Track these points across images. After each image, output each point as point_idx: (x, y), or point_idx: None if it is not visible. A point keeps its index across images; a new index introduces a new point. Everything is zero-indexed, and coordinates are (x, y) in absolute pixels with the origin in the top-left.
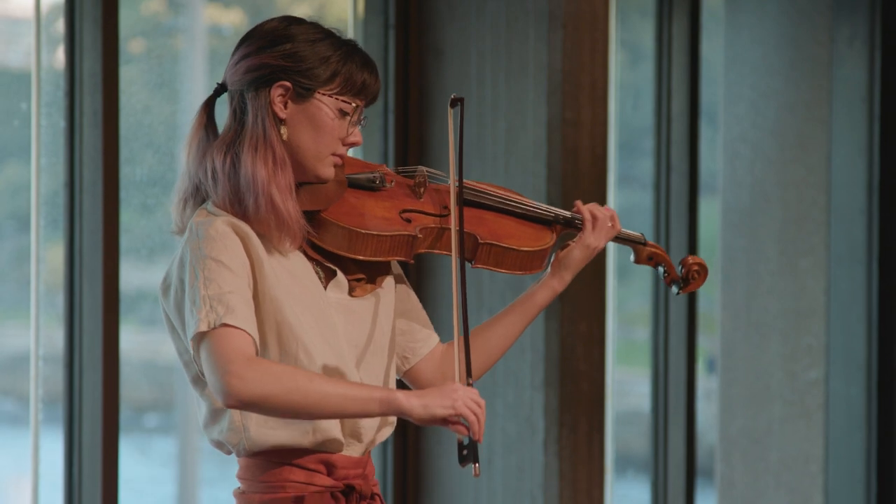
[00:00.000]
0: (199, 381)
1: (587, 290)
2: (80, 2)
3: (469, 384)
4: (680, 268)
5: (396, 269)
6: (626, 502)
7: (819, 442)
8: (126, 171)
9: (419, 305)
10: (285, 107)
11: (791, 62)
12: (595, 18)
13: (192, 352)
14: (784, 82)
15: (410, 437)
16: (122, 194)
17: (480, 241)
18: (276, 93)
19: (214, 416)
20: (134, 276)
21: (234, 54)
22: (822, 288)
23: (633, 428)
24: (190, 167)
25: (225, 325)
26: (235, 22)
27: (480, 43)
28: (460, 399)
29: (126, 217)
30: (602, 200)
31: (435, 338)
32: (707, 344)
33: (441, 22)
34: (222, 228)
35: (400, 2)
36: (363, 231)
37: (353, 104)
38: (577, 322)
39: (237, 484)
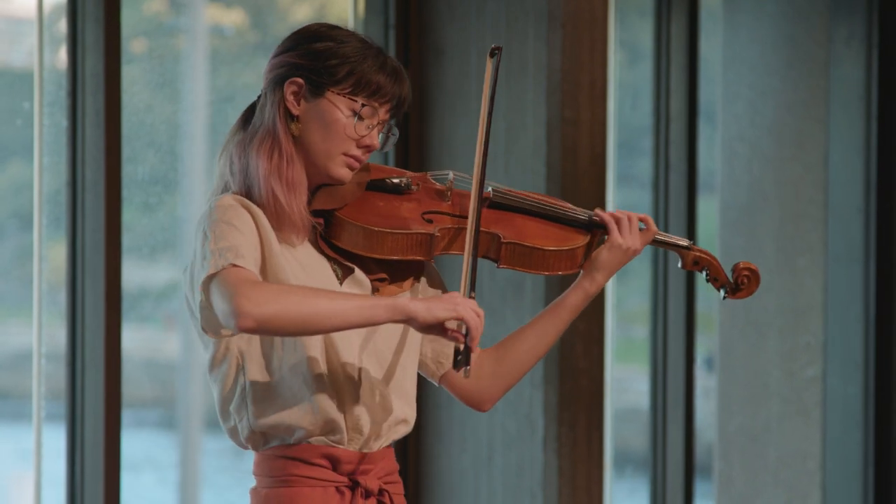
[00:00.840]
0: (215, 364)
1: None
2: (82, 2)
3: (471, 296)
4: (731, 273)
5: (434, 277)
6: (625, 499)
7: (817, 439)
8: (128, 170)
9: None
10: (298, 104)
11: (789, 62)
12: (594, 18)
13: (199, 301)
14: (782, 81)
15: (411, 436)
16: (124, 193)
17: (504, 240)
18: (290, 89)
19: (224, 401)
20: (136, 274)
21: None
22: (820, 286)
23: (632, 425)
24: (221, 166)
25: (233, 265)
26: (237, 22)
27: (480, 43)
28: (461, 304)
29: (128, 215)
30: (601, 200)
31: None
32: (705, 342)
33: (441, 22)
34: (232, 201)
35: (400, 2)
36: (377, 229)
37: (363, 104)
38: (577, 320)
39: (238, 481)
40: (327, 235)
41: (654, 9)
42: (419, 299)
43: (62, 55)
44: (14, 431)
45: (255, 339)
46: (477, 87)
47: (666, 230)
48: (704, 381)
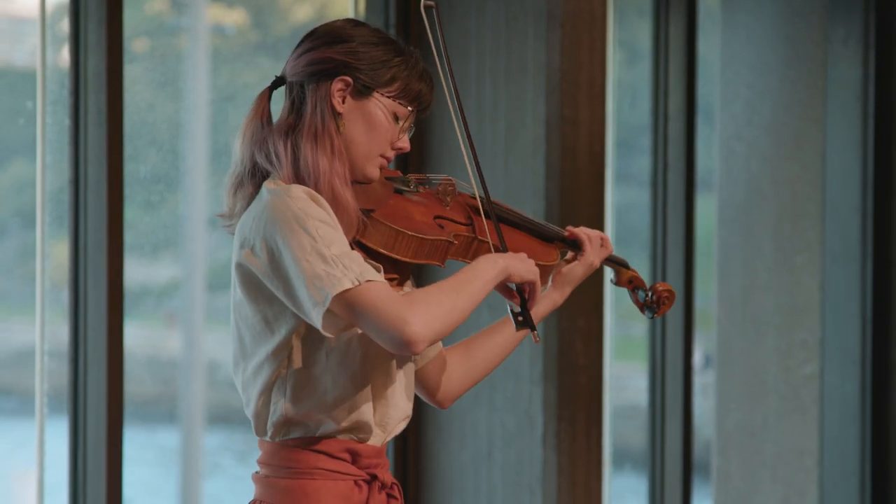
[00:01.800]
0: (277, 352)
1: (585, 286)
2: (84, 2)
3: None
4: (651, 294)
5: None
6: (623, 496)
7: (814, 436)
8: (130, 169)
9: None
10: (343, 101)
11: (786, 61)
12: (593, 18)
13: (320, 309)
14: (779, 81)
15: (412, 431)
16: (126, 191)
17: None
18: (337, 87)
19: (265, 388)
20: (138, 272)
21: (296, 49)
22: (818, 284)
23: (631, 422)
24: (243, 153)
25: (369, 280)
26: (238, 21)
27: (480, 42)
28: (532, 267)
29: (130, 214)
30: (600, 198)
31: (440, 343)
32: (704, 339)
33: (441, 21)
34: (307, 193)
35: (400, 2)
36: (410, 233)
37: (408, 109)
38: (576, 317)
39: (238, 477)
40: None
41: (653, 9)
42: (510, 257)
43: (64, 54)
44: (17, 428)
45: (313, 330)
46: (477, 87)
47: (664, 228)
48: (702, 378)
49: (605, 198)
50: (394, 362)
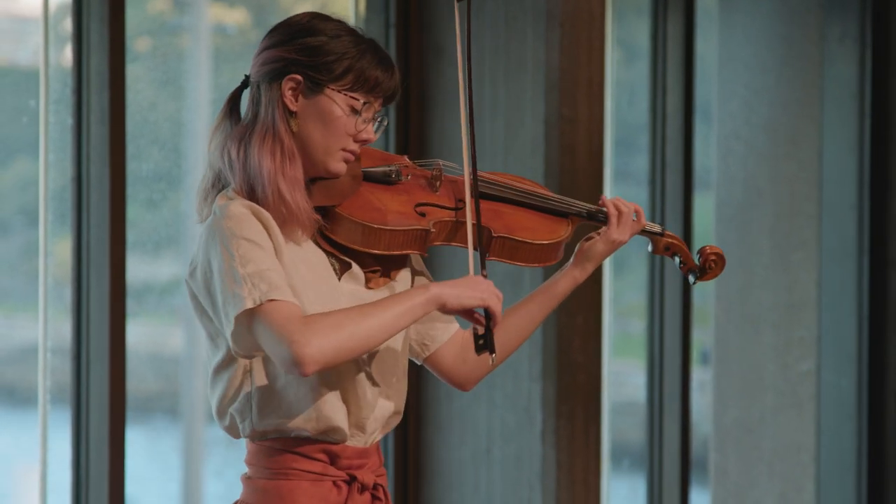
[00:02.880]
0: (223, 366)
1: (584, 283)
2: (87, 1)
3: (484, 276)
4: (697, 257)
5: (417, 261)
6: (622, 491)
7: (811, 432)
8: (132, 167)
9: None
10: (296, 100)
11: (783, 60)
12: (592, 17)
13: (229, 328)
14: (776, 80)
15: (411, 427)
16: (129, 189)
17: (494, 234)
18: (287, 86)
19: (227, 402)
20: (140, 269)
21: (258, 46)
22: (814, 281)
23: (629, 418)
24: (212, 157)
25: (271, 300)
26: (240, 21)
27: (480, 41)
28: (486, 290)
29: (132, 212)
30: (599, 196)
31: (455, 325)
32: (701, 336)
33: (441, 21)
34: (243, 210)
35: (400, 1)
36: (377, 226)
37: (364, 101)
38: (575, 315)
39: (240, 474)
40: (324, 230)
41: (651, 8)
42: (447, 284)
43: (67, 54)
44: (20, 424)
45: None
46: (477, 86)
47: (662, 226)
48: (700, 375)
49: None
50: (365, 366)
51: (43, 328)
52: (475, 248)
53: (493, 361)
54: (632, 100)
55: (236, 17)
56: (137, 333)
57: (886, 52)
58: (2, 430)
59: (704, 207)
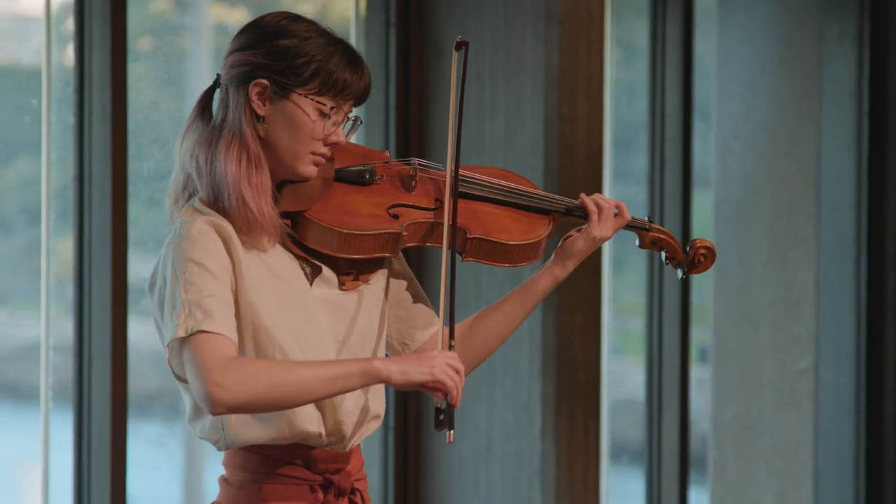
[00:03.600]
0: (180, 378)
1: (583, 281)
2: (89, 1)
3: (451, 347)
4: (687, 249)
5: (398, 260)
6: (621, 488)
7: (809, 429)
8: (134, 166)
9: (422, 294)
10: (264, 104)
11: (782, 60)
12: (591, 17)
13: (168, 354)
14: (775, 79)
15: (411, 424)
16: (130, 188)
17: (470, 235)
18: (254, 91)
19: (196, 412)
20: (142, 268)
21: (229, 46)
22: (813, 279)
23: (628, 416)
24: (182, 160)
25: (202, 331)
26: (241, 20)
27: (479, 41)
28: (438, 365)
29: (134, 210)
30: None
31: (437, 325)
32: (700, 334)
33: (441, 20)
34: (204, 228)
35: (401, 1)
36: (345, 231)
37: (331, 105)
38: (574, 313)
39: None
40: (295, 234)
41: (650, 8)
42: (393, 360)
43: (69, 53)
44: (22, 422)
45: None
46: (477, 85)
47: (661, 224)
48: (699, 373)
49: (602, 194)
50: None
51: (45, 326)
52: (447, 318)
53: (450, 438)
54: (631, 99)
55: (237, 17)
56: (139, 331)
57: (884, 52)
58: (4, 427)
59: (703, 206)
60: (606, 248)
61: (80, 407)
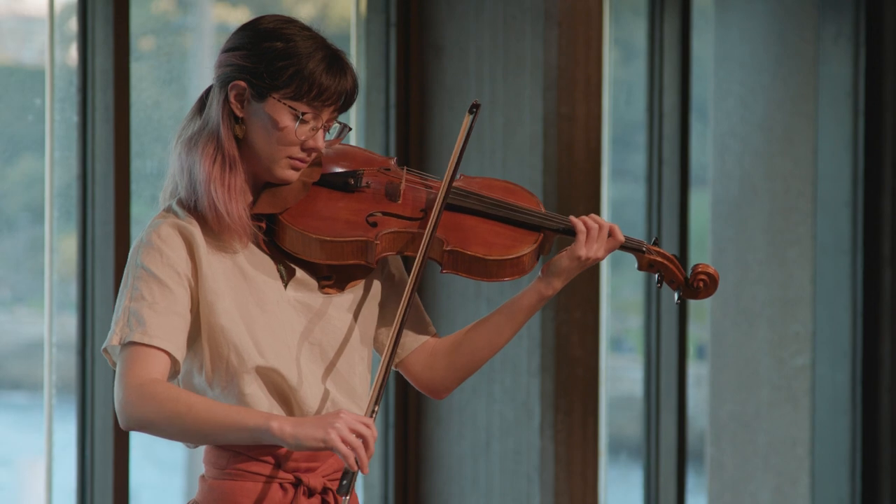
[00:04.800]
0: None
1: (582, 279)
2: (92, 1)
3: (373, 412)
4: (690, 272)
5: (395, 265)
6: (619, 484)
7: (806, 425)
8: (136, 165)
9: (417, 303)
10: (242, 106)
11: (778, 59)
12: (589, 17)
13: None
14: (771, 78)
15: (412, 419)
16: (133, 187)
17: (446, 248)
18: (233, 92)
19: None
20: None
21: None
22: (809, 277)
23: (627, 413)
24: (171, 162)
25: (132, 342)
26: (242, 20)
27: (479, 40)
28: (336, 430)
29: (137, 209)
30: (596, 193)
31: (429, 334)
32: (698, 331)
33: (441, 20)
34: (166, 231)
35: (401, 1)
36: (315, 236)
37: (304, 111)
38: (572, 310)
39: None
40: (273, 236)
41: (648, 8)
42: (290, 422)
43: (73, 53)
44: (26, 419)
45: (187, 359)
46: (476, 84)
47: (659, 223)
48: (696, 370)
49: (601, 193)
50: (299, 371)
51: (48, 323)
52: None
53: None
54: (629, 98)
55: (239, 17)
56: None
57: (880, 51)
58: (8, 423)
59: (701, 204)
60: None
61: (83, 403)
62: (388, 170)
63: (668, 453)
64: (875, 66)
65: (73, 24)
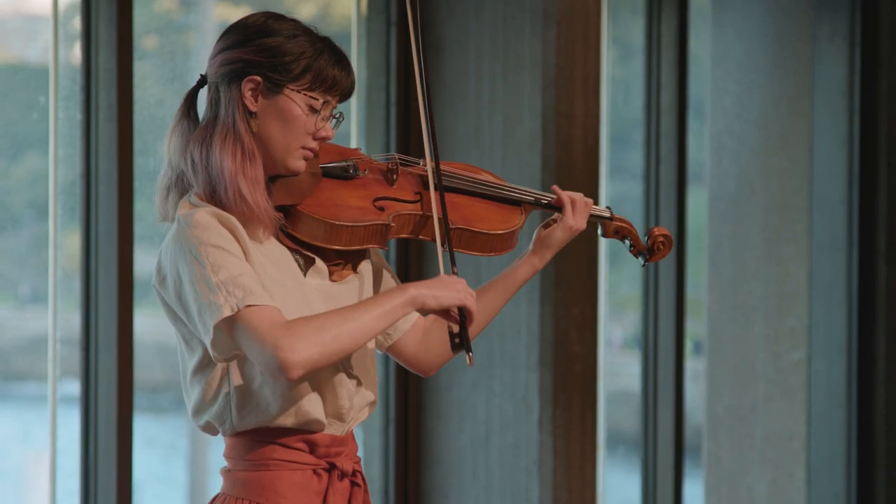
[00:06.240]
0: (200, 369)
1: (580, 275)
2: (96, 0)
3: (455, 273)
4: (646, 238)
5: (375, 253)
6: (617, 478)
7: (801, 420)
8: (140, 162)
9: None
10: (256, 101)
11: (774, 58)
12: (588, 16)
13: (208, 337)
14: (768, 77)
15: (412, 416)
16: (136, 184)
17: (452, 226)
18: (247, 87)
19: (205, 403)
20: (147, 262)
21: (214, 47)
22: (805, 273)
23: (625, 407)
24: (172, 157)
25: (248, 306)
26: None
27: (478, 40)
28: (462, 290)
29: (140, 206)
30: (594, 190)
31: (416, 314)
32: (695, 327)
33: (441, 20)
34: (208, 218)
35: (401, 1)
36: (338, 223)
37: (322, 100)
38: (571, 306)
39: None
40: (286, 227)
41: (646, 7)
42: (424, 285)
43: (76, 51)
44: (30, 413)
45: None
46: (476, 82)
47: (657, 220)
48: (693, 365)
49: (599, 190)
50: (341, 359)
51: (53, 319)
52: (443, 245)
53: (470, 360)
54: (627, 96)
55: (241, 16)
56: (144, 324)
57: (875, 50)
58: (13, 418)
59: (698, 201)
60: (603, 243)
61: (87, 398)
62: (364, 160)
63: (666, 447)
64: (870, 65)
65: (76, 23)
